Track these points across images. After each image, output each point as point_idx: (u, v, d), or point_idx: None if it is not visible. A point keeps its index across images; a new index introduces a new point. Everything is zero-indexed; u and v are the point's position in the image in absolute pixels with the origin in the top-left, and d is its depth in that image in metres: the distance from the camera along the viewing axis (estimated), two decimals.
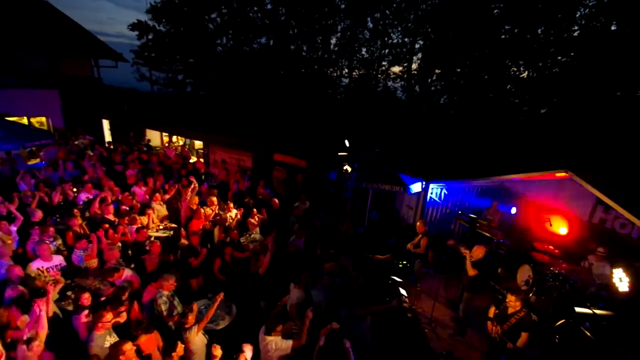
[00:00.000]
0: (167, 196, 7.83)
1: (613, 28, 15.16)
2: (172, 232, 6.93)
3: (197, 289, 5.59)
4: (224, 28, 21.28)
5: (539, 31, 16.98)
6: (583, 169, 6.01)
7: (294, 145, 11.48)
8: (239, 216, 7.37)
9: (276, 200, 7.83)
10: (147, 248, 5.49)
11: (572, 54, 16.03)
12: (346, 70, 22.37)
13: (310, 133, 14.47)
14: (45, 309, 3.61)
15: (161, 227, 7.05)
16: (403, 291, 6.33)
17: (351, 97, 22.13)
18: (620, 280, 4.43)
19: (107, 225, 5.95)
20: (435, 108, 19.82)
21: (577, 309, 4.51)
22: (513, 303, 4.33)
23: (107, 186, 7.71)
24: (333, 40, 21.63)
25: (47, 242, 5.12)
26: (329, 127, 15.20)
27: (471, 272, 5.46)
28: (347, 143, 7.70)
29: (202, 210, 7.01)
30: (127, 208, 6.98)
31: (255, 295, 5.15)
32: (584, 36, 15.78)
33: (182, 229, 6.84)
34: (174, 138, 15.18)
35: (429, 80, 20.59)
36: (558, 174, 6.22)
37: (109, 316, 3.60)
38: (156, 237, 6.58)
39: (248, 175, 9.96)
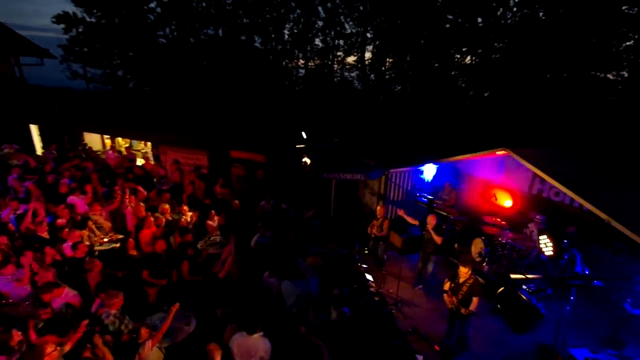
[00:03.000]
0: (111, 207, 7.15)
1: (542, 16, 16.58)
2: (118, 244, 6.37)
3: (154, 301, 5.21)
4: (165, 18, 19.79)
5: (479, 20, 18.07)
6: (520, 146, 6.51)
7: (251, 140, 11.12)
8: (194, 219, 6.98)
9: (237, 202, 7.52)
10: (87, 266, 4.94)
11: (506, 40, 17.28)
12: (302, 61, 22.15)
13: (268, 127, 14.13)
14: None
15: (105, 239, 6.44)
16: (369, 277, 6.49)
17: (309, 88, 21.97)
18: (546, 245, 4.94)
19: (38, 245, 5.28)
20: (391, 96, 20.36)
21: (512, 276, 4.96)
22: (464, 273, 4.77)
23: (35, 196, 6.85)
24: (286, 31, 21.26)
25: None
26: (287, 119, 14.95)
27: (438, 239, 6.00)
28: (304, 135, 7.59)
29: (152, 218, 6.50)
30: (64, 222, 6.26)
31: (215, 302, 4.92)
32: (516, 24, 17.07)
33: (131, 239, 6.30)
34: (118, 140, 13.93)
35: (383, 69, 21.08)
36: (499, 152, 6.68)
37: (49, 349, 3.13)
38: (101, 251, 6.03)
39: (203, 174, 9.47)
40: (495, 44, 18.07)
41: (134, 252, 6.02)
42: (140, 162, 11.36)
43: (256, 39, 21.00)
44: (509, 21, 17.45)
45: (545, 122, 14.46)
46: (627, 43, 15.09)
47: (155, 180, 9.45)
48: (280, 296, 4.80)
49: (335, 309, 4.53)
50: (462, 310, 4.72)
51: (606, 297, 5.72)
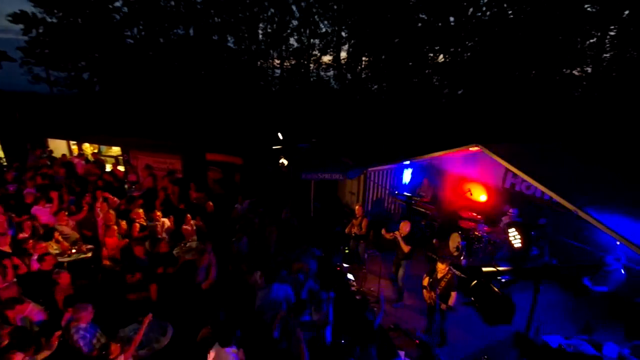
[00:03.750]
0: (79, 216, 6.78)
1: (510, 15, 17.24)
2: (89, 254, 6.05)
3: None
4: (132, 18, 18.98)
5: (451, 19, 18.56)
6: (492, 142, 6.70)
7: (227, 142, 10.90)
8: (168, 224, 6.73)
9: (210, 204, 7.32)
10: (55, 278, 4.66)
11: (476, 39, 17.85)
12: (277, 61, 21.93)
13: (245, 128, 13.89)
14: None
15: (74, 250, 6.09)
16: (350, 276, 6.50)
17: (285, 89, 21.79)
18: (515, 237, 5.11)
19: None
20: (368, 95, 20.53)
21: (484, 269, 5.06)
22: (442, 269, 4.86)
23: None
24: (260, 31, 20.98)
25: None
26: (264, 120, 14.75)
27: (406, 248, 5.93)
28: (280, 136, 7.49)
29: (116, 228, 6.21)
30: (28, 234, 5.87)
31: (200, 312, 4.75)
32: (486, 23, 17.67)
33: (105, 249, 6.01)
34: (86, 146, 13.25)
35: (359, 68, 21.24)
36: (472, 148, 6.84)
37: None
38: (69, 263, 5.71)
39: (177, 179, 9.17)
40: (467, 43, 18.64)
41: (107, 263, 5.76)
42: (109, 168, 10.86)
43: (229, 38, 20.59)
44: (479, 20, 18.02)
45: (516, 118, 15.04)
46: (591, 40, 15.98)
47: (126, 187, 9.06)
48: (265, 301, 4.68)
49: (316, 311, 4.48)
50: (442, 306, 4.80)
51: (576, 284, 5.99)
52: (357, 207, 7.23)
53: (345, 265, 6.69)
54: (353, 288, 6.43)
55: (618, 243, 4.54)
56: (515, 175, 7.66)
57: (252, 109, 16.63)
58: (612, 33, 15.57)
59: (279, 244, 6.60)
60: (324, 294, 4.57)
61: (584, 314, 5.66)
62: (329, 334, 4.25)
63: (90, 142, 12.65)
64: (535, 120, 14.39)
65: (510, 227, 4.83)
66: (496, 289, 3.66)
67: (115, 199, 7.67)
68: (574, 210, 4.89)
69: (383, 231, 6.38)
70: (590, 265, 5.84)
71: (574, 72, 16.74)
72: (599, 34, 15.66)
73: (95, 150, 12.82)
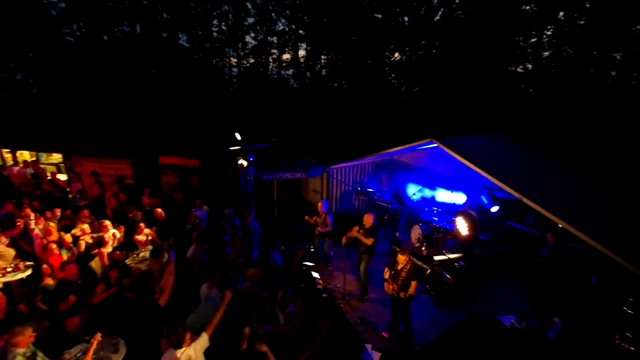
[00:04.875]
0: (13, 232, 6.08)
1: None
2: (29, 271, 5.48)
3: (73, 332, 4.52)
4: (71, 13, 17.34)
5: (405, 19, 19.21)
6: (447, 135, 7.01)
7: (183, 144, 10.38)
8: (118, 235, 6.25)
9: (159, 210, 6.89)
10: None
11: (429, 37, 18.67)
12: (235, 60, 21.32)
13: (201, 129, 13.32)
14: None
15: (9, 269, 5.46)
16: (315, 274, 6.47)
17: (244, 88, 21.25)
18: (462, 226, 5.38)
19: None
20: (328, 93, 20.63)
21: (436, 257, 5.30)
22: (402, 260, 4.97)
23: None
24: (214, 28, 20.22)
25: None
26: (222, 120, 14.25)
27: (368, 241, 5.97)
28: (238, 136, 7.26)
29: (54, 246, 5.67)
30: None
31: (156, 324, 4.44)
32: (440, 22, 18.53)
33: (46, 266, 5.42)
34: (23, 154, 11.91)
35: (318, 66, 21.30)
36: (427, 143, 7.09)
37: None
38: (5, 283, 5.12)
39: (128, 185, 8.58)
40: (421, 42, 19.41)
41: (49, 281, 5.20)
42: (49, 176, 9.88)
43: (180, 36, 19.66)
44: (432, 20, 18.85)
45: (468, 113, 15.94)
46: (532, 40, 17.35)
47: (70, 196, 8.31)
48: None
49: (281, 311, 4.38)
50: (402, 294, 4.93)
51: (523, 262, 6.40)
52: (319, 204, 7.21)
53: (310, 263, 6.65)
54: (319, 286, 6.41)
55: (560, 227, 4.93)
56: (468, 167, 8.09)
57: (209, 109, 15.93)
58: (548, 33, 17.06)
59: (241, 249, 6.37)
60: (289, 290, 4.47)
61: (535, 293, 6.09)
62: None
63: (27, 149, 11.45)
64: (483, 114, 15.37)
65: (458, 216, 5.05)
66: (449, 276, 3.87)
67: (57, 210, 6.99)
68: (519, 197, 5.24)
69: (355, 229, 6.37)
70: (533, 242, 6.27)
71: (517, 69, 18.14)
72: (539, 33, 17.09)
73: (34, 158, 11.63)
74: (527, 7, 16.72)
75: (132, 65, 17.29)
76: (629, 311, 4.70)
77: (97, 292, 4.82)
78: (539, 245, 6.01)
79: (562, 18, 16.41)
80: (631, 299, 4.76)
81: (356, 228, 6.13)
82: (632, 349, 4.36)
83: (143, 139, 10.72)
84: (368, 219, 6.05)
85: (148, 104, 16.20)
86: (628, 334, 4.45)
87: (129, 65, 17.26)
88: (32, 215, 6.37)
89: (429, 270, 5.99)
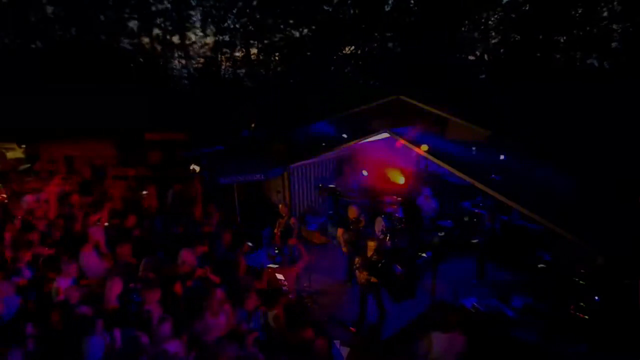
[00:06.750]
0: None
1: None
2: None
3: None
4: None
5: (356, 11, 19.32)
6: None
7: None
8: None
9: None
10: None
11: (381, 29, 18.98)
12: (184, 61, 20.29)
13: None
14: None
15: None
16: (280, 276, 6.27)
17: (197, 89, 20.27)
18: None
19: None
20: (283, 90, 20.28)
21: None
22: (372, 246, 5.06)
23: None
24: (158, 29, 19.08)
25: None
26: (173, 124, 13.38)
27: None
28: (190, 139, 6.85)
29: None
30: None
31: None
32: (388, 12, 18.86)
33: None
34: None
35: (272, 64, 20.89)
36: (383, 135, 7.16)
37: None
38: None
39: None
40: (374, 34, 19.67)
41: None
42: None
43: (121, 39, 18.33)
44: (382, 11, 19.15)
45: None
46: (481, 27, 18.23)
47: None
48: None
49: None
50: (372, 280, 4.96)
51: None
52: (281, 206, 7.05)
53: (274, 265, 6.44)
54: (285, 288, 6.23)
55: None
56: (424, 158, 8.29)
57: (159, 112, 14.84)
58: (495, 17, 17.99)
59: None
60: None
61: (496, 276, 6.37)
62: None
63: None
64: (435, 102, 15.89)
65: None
66: (400, 267, 3.88)
67: None
68: (470, 181, 5.43)
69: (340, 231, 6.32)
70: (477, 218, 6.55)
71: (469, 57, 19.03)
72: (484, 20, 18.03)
73: None
74: None
75: (67, 70, 15.64)
76: (581, 282, 5.00)
77: None
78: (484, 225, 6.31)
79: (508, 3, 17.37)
80: (582, 270, 5.06)
81: (341, 231, 6.19)
82: (587, 317, 4.63)
83: None
84: (353, 211, 6.17)
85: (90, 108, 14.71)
86: (582, 304, 4.73)
87: (64, 71, 15.60)
88: None
89: (380, 264, 6.02)
